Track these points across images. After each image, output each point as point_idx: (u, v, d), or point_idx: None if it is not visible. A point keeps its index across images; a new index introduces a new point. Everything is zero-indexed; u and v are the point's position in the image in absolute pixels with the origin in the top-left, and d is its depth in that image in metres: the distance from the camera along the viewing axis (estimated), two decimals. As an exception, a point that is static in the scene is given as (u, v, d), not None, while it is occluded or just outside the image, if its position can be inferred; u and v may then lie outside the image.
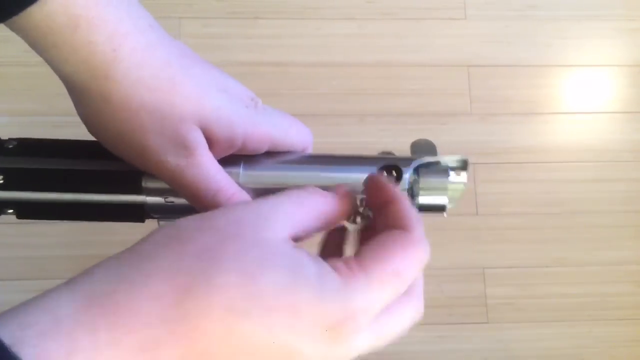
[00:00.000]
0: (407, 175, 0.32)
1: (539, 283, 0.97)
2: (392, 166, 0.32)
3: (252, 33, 1.02)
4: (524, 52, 1.05)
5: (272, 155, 0.32)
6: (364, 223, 0.29)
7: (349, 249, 0.30)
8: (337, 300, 0.22)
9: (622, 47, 1.07)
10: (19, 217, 0.32)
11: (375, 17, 1.04)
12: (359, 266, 0.24)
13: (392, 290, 0.24)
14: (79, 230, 0.93)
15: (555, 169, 1.01)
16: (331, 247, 0.30)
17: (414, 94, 1.02)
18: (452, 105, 1.02)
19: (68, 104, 0.30)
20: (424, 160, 0.32)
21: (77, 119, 0.30)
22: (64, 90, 0.30)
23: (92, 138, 0.31)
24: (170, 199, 0.32)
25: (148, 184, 0.31)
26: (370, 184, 0.29)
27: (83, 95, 0.28)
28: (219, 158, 0.30)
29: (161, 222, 0.33)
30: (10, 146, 0.32)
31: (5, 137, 0.32)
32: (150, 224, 0.29)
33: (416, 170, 0.32)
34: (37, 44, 0.27)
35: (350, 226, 0.30)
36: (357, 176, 0.32)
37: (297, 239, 0.25)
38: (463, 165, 0.33)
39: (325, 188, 0.28)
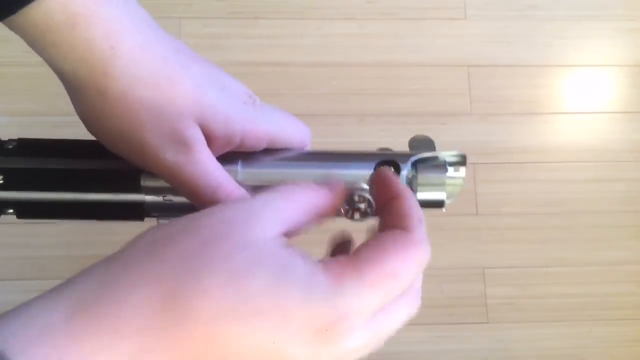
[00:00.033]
0: (405, 172, 0.32)
1: (539, 283, 0.97)
2: (389, 162, 0.32)
3: (252, 33, 1.02)
4: (524, 52, 1.05)
5: (270, 152, 0.32)
6: (362, 219, 0.29)
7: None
8: (325, 301, 0.22)
9: (622, 47, 1.07)
10: (19, 217, 0.32)
11: (375, 17, 1.04)
12: (353, 266, 0.23)
13: (387, 291, 0.24)
14: (79, 230, 0.93)
15: (555, 169, 1.01)
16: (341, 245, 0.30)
17: (414, 94, 1.02)
18: (452, 105, 1.02)
19: (68, 104, 0.30)
20: (421, 156, 0.32)
21: (77, 119, 0.30)
22: (64, 91, 0.30)
23: (92, 138, 0.31)
24: (169, 197, 0.32)
25: (147, 182, 0.31)
26: (377, 179, 0.29)
27: (82, 93, 0.28)
28: (217, 155, 0.30)
29: (160, 221, 0.33)
30: (10, 146, 0.32)
31: (5, 137, 0.32)
32: (150, 224, 0.29)
33: (414, 166, 0.32)
34: (36, 42, 0.27)
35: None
36: (355, 172, 0.31)
37: (289, 235, 0.25)
38: (461, 161, 0.32)
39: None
